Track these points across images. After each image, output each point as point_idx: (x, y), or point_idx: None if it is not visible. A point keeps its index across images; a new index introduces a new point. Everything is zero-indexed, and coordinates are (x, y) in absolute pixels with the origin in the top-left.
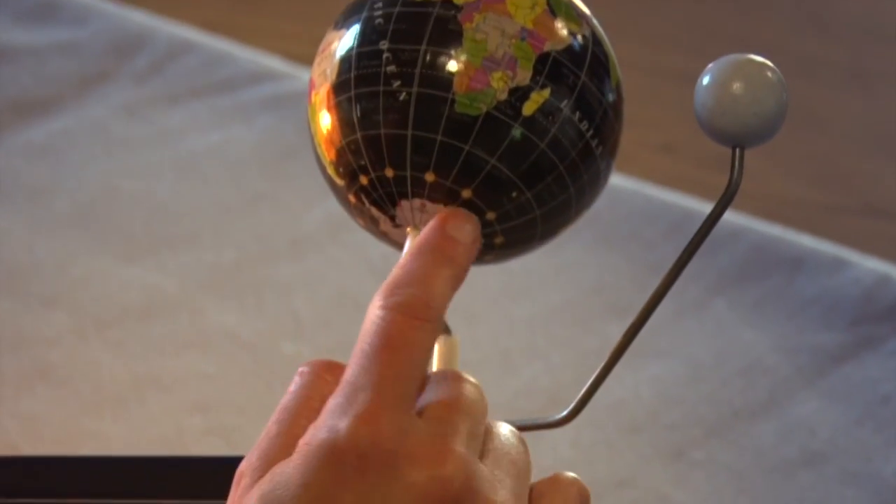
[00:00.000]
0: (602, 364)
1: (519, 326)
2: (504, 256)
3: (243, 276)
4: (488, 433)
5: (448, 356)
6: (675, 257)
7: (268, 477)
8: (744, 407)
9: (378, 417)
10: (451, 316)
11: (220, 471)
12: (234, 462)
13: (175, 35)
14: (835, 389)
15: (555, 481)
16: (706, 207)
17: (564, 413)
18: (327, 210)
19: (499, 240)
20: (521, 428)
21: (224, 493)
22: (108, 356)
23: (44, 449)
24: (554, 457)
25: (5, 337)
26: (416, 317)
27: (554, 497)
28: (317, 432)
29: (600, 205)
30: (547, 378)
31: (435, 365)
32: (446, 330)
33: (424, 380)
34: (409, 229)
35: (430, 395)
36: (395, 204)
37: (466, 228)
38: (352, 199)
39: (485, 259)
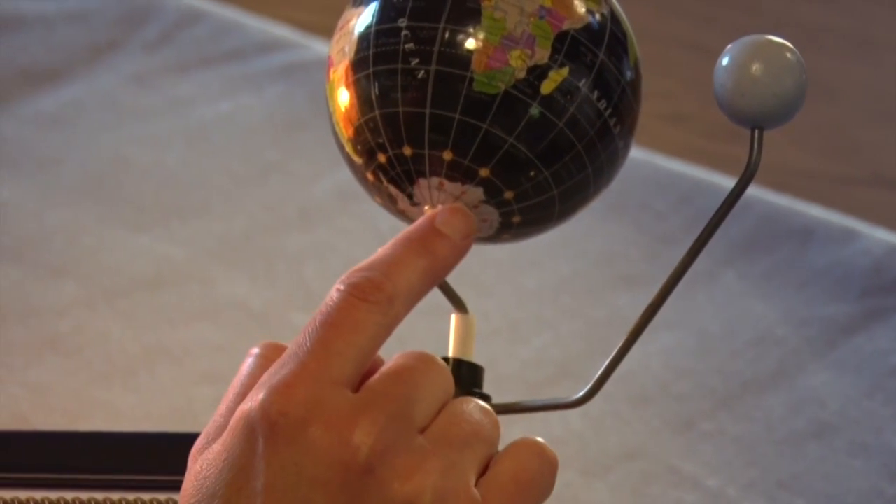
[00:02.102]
0: (617, 346)
1: (528, 297)
2: (521, 235)
3: (253, 246)
4: (445, 407)
5: (464, 334)
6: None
7: (202, 456)
8: (753, 378)
9: (292, 387)
10: (460, 287)
11: None
12: None
13: (185, 4)
14: (845, 361)
15: (514, 446)
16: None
17: (581, 394)
18: (337, 180)
19: (516, 219)
20: (537, 408)
21: None
22: (117, 326)
23: (53, 419)
24: (564, 428)
25: (15, 307)
26: (365, 299)
27: (505, 462)
28: (240, 406)
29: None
30: (556, 349)
31: (452, 342)
32: (462, 308)
33: (373, 363)
34: (426, 207)
35: (377, 375)
36: (412, 182)
37: (456, 224)
38: (370, 176)
39: (502, 238)
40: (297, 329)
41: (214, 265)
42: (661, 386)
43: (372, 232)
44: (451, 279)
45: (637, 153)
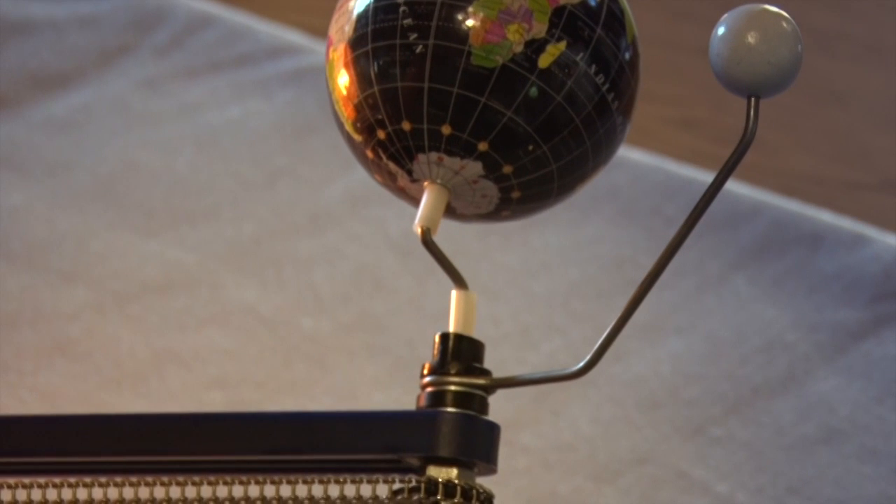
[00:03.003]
0: (618, 316)
1: (538, 302)
2: (521, 212)
3: (263, 251)
4: None
5: (465, 310)
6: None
7: None
8: (763, 384)
9: None
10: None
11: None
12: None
13: (195, 9)
14: (854, 366)
15: None
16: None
17: (579, 366)
18: (347, 185)
19: (516, 194)
20: (535, 381)
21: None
22: (127, 331)
23: None
24: (574, 433)
25: (25, 311)
26: None
27: None
28: None
29: (620, 180)
30: (566, 354)
31: (452, 317)
32: (463, 284)
33: None
34: (426, 183)
35: None
36: (412, 158)
37: None
38: (369, 154)
39: (502, 214)
40: (307, 334)
41: (224, 270)
42: (670, 391)
43: (382, 237)
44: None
45: (647, 158)
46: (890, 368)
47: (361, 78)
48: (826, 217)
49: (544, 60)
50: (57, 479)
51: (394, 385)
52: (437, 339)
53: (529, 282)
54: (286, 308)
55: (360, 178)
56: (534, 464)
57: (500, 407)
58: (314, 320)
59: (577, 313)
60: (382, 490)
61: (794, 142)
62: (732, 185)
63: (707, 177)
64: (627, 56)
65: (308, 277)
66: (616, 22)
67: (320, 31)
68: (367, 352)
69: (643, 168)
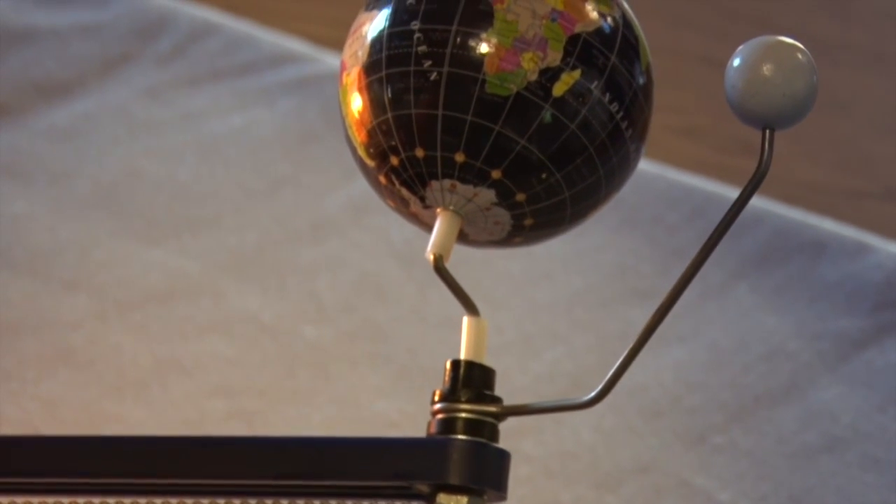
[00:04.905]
0: (628, 347)
1: (540, 311)
2: (533, 239)
3: (265, 259)
4: None
5: (476, 337)
6: (697, 241)
7: None
8: (765, 392)
9: None
10: (473, 301)
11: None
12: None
13: (197, 17)
14: (856, 375)
15: None
16: (729, 191)
17: (591, 395)
18: (349, 193)
19: (528, 221)
20: (547, 410)
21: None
22: (129, 339)
23: (65, 432)
24: (576, 442)
25: (27, 319)
26: None
27: None
28: None
29: (623, 188)
30: (569, 362)
31: (464, 344)
32: (474, 311)
33: None
34: (438, 210)
35: None
36: (425, 185)
37: None
38: (382, 180)
39: (514, 241)
40: (309, 342)
41: (226, 278)
42: (673, 399)
43: (384, 245)
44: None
45: (649, 167)
46: (892, 377)
47: (375, 104)
48: (828, 225)
49: (559, 89)
50: (50, 500)
51: (396, 393)
52: (447, 365)
53: (532, 290)
54: (288, 316)
55: (362, 187)
56: (536, 472)
57: None
58: (316, 328)
59: (580, 321)
60: None
61: (797, 150)
62: (734, 194)
63: (710, 185)
64: (641, 83)
65: (310, 286)
66: (631, 49)
67: (322, 40)
68: (370, 360)
69: (645, 176)
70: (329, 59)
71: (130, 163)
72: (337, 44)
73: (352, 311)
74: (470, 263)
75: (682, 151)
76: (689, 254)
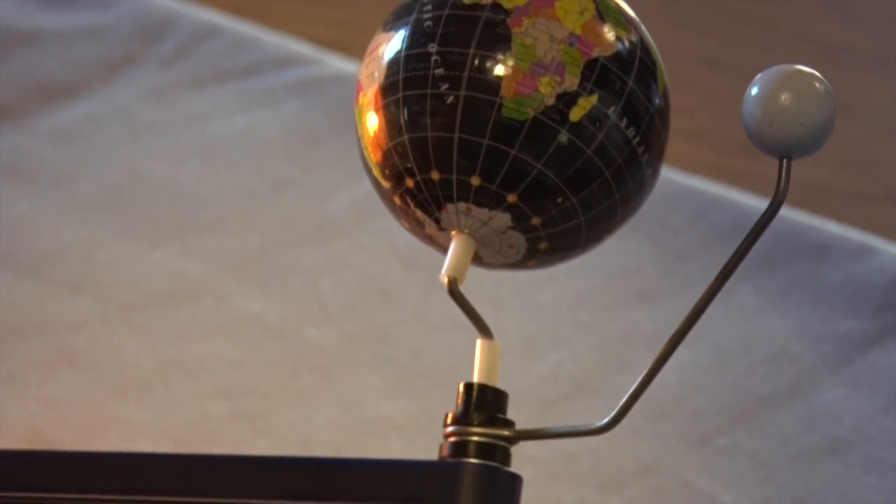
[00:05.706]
0: (644, 373)
1: (543, 312)
2: (548, 262)
3: (268, 261)
4: None
5: (490, 360)
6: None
7: None
8: (768, 394)
9: None
10: (476, 302)
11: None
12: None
13: (201, 19)
14: (860, 377)
15: None
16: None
17: (605, 421)
18: (352, 195)
19: (543, 245)
20: (561, 435)
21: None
22: (133, 341)
23: (68, 434)
24: (579, 444)
25: (31, 321)
26: None
27: None
28: None
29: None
30: (572, 364)
31: (477, 367)
32: (488, 334)
33: None
34: (453, 233)
35: None
36: (440, 207)
37: None
38: (397, 201)
39: (528, 264)
40: (313, 344)
41: (229, 280)
42: (676, 401)
43: (388, 247)
44: (468, 294)
45: None
46: (895, 379)
47: (391, 125)
48: (832, 228)
49: (576, 113)
50: None
51: (400, 395)
52: (460, 388)
53: (535, 292)
54: (292, 318)
55: (365, 189)
56: (539, 474)
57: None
58: (320, 330)
59: (583, 324)
60: None
61: None
62: (738, 196)
63: (712, 187)
64: (658, 106)
65: (314, 288)
66: (648, 73)
67: (326, 42)
68: (373, 362)
69: None
70: (332, 62)
71: (134, 164)
72: (340, 46)
73: (355, 312)
74: (473, 266)
75: (686, 153)
76: (692, 256)
